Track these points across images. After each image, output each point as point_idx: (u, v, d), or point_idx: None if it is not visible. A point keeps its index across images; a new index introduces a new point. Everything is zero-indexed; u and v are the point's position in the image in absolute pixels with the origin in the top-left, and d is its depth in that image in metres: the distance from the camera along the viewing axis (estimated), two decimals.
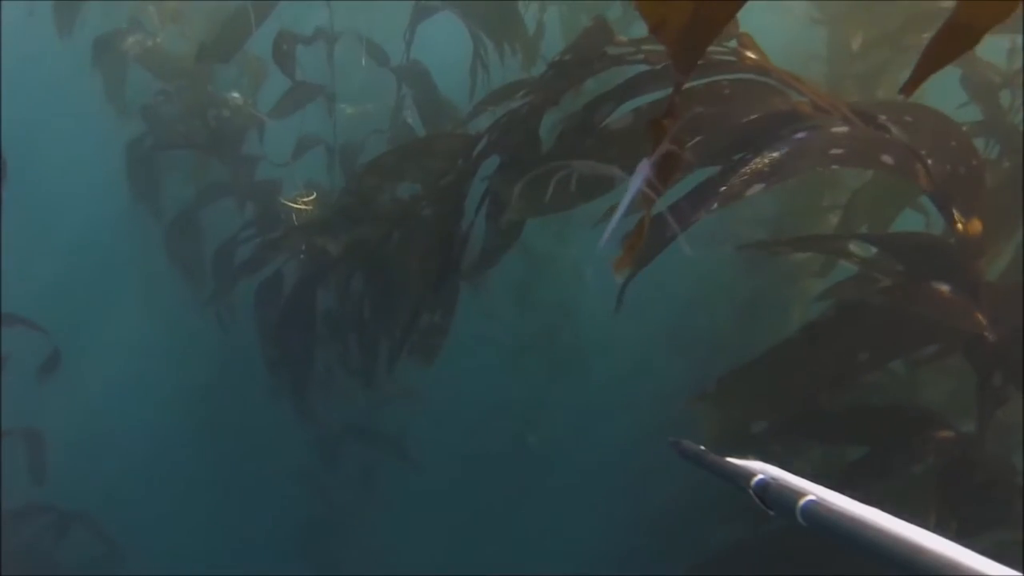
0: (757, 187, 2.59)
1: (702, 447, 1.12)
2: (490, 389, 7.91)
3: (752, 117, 2.79)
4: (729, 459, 1.02)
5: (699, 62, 1.46)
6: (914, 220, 3.68)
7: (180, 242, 5.72)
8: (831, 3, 4.85)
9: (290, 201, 4.66)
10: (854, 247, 3.00)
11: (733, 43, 2.80)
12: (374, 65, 5.49)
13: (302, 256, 4.62)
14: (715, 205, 2.54)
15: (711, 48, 2.85)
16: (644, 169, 1.50)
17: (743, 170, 2.63)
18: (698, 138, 2.69)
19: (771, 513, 0.90)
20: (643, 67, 2.85)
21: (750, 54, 2.77)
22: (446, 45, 5.14)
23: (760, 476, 0.94)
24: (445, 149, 3.40)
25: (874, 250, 3.09)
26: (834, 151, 2.48)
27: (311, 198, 4.59)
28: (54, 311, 5.60)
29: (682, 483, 4.74)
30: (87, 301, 7.86)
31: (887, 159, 2.44)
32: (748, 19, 2.49)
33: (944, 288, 2.53)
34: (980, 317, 2.44)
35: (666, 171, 1.52)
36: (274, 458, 7.09)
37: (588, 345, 7.90)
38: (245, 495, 7.61)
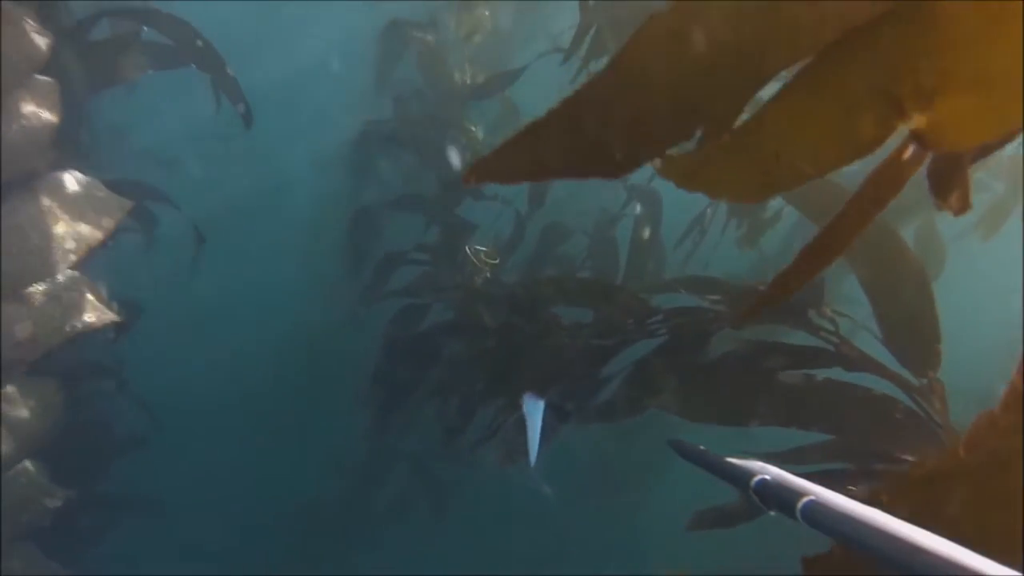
0: (861, 488, 2.80)
1: (702, 447, 1.18)
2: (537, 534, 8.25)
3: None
4: (729, 459, 1.06)
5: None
6: None
7: (363, 225, 6.31)
8: None
9: (473, 253, 5.02)
10: None
11: None
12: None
13: (457, 303, 4.99)
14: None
15: None
16: (531, 403, 1.61)
17: (874, 467, 2.87)
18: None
19: (771, 513, 0.96)
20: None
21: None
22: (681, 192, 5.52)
23: (760, 476, 0.97)
24: (624, 303, 3.76)
25: None
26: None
27: (493, 261, 4.94)
28: (213, 215, 6.21)
29: None
30: (252, 228, 8.68)
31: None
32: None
33: None
34: None
35: None
36: (328, 445, 7.63)
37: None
38: (283, 453, 8.24)
